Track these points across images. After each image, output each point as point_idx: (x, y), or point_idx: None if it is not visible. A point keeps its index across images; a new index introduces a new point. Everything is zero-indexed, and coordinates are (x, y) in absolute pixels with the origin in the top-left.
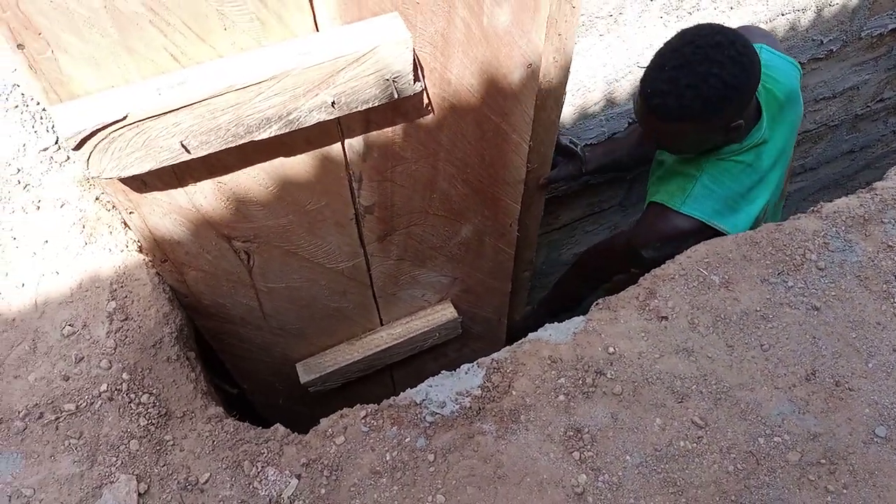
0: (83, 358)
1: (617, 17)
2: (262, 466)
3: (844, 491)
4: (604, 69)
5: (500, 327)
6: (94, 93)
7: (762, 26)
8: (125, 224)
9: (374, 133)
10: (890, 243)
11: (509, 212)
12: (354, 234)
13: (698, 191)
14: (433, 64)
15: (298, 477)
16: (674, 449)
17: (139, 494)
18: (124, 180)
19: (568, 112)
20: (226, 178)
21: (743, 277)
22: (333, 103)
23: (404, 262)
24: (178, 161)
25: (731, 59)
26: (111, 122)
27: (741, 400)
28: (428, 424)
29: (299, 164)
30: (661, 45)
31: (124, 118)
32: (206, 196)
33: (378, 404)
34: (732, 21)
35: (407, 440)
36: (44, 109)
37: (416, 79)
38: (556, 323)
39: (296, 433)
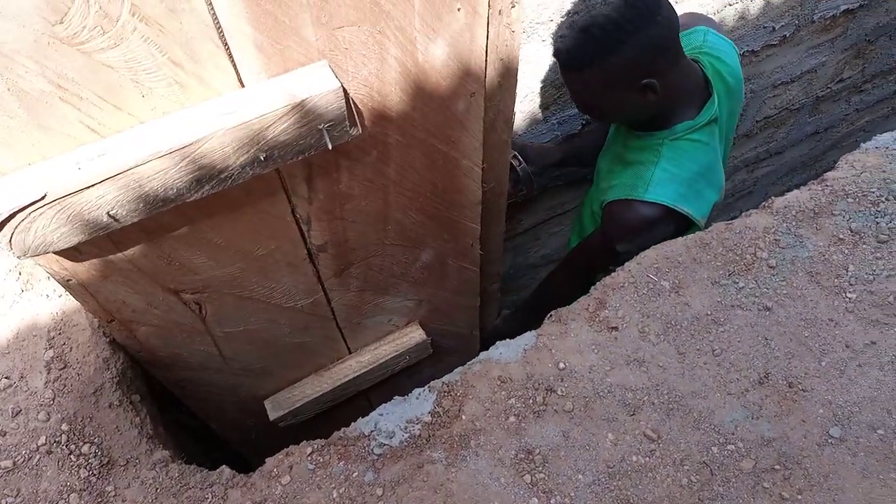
0: (20, 411)
1: (558, 20)
2: None
3: (799, 496)
4: (552, 73)
5: (473, 340)
6: (9, 173)
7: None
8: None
9: (318, 176)
10: (841, 236)
11: (469, 232)
12: (310, 272)
13: (659, 175)
14: (371, 104)
15: None
16: (626, 465)
17: None
18: (56, 252)
19: (519, 118)
20: (166, 237)
21: (693, 281)
22: (266, 158)
23: (366, 293)
24: (109, 231)
25: (624, 2)
26: (29, 203)
27: (694, 409)
28: (376, 457)
29: (242, 215)
30: None
31: (43, 198)
32: (146, 256)
33: (326, 439)
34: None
35: (355, 475)
36: None
37: (353, 124)
38: (507, 340)
39: (242, 474)
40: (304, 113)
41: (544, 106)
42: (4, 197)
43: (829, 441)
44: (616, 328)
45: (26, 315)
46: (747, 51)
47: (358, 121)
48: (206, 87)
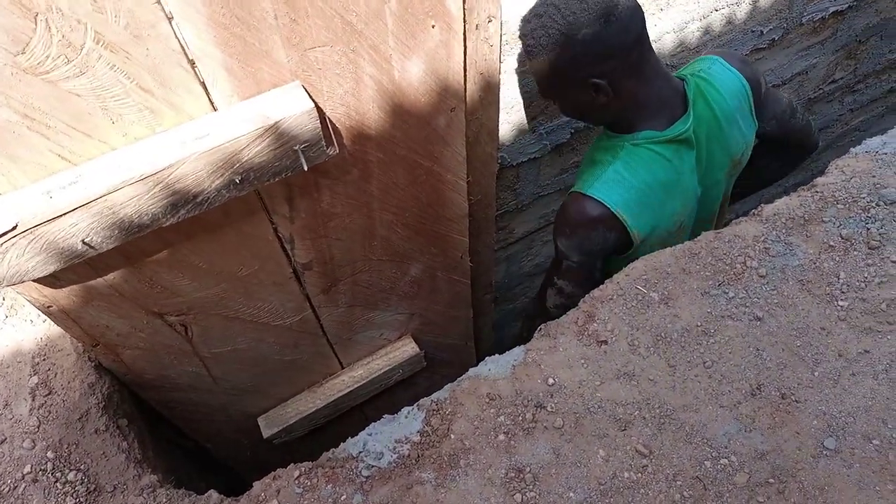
0: (5, 439)
1: None
2: None
3: None
4: (534, 84)
5: (468, 351)
6: None
7: (695, 24)
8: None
9: (298, 196)
10: (831, 243)
11: (458, 245)
12: (296, 290)
13: (609, 175)
14: (348, 123)
15: None
16: (618, 481)
17: None
18: (33, 279)
19: (505, 129)
20: (146, 261)
21: (683, 292)
22: (241, 180)
23: (356, 308)
24: (85, 258)
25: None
26: (1, 233)
27: (686, 422)
28: (364, 479)
29: (223, 236)
30: None
31: (14, 228)
32: (127, 280)
33: (314, 461)
34: (664, 23)
35: (343, 498)
36: None
37: (330, 144)
38: (496, 356)
39: (230, 498)
40: (279, 135)
41: (531, 116)
42: None
43: (824, 453)
44: (605, 342)
45: (10, 341)
46: None
47: (335, 140)
48: (178, 112)
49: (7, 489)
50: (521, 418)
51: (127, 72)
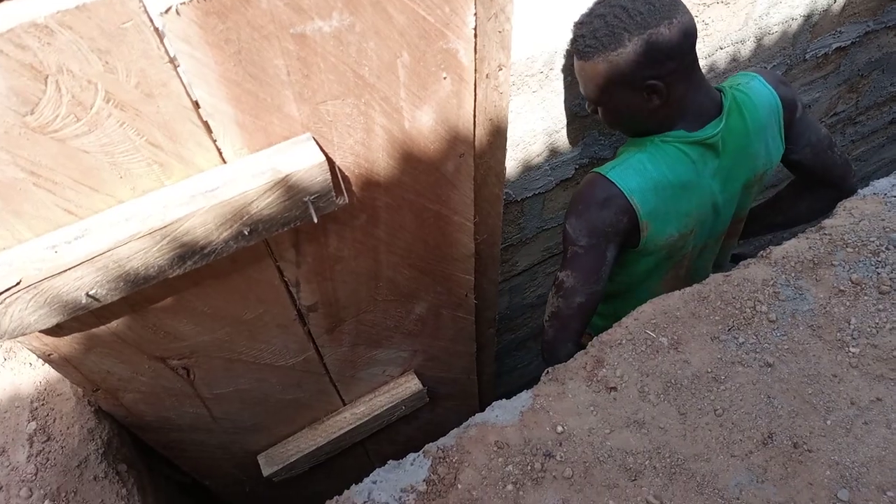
0: (2, 487)
1: (548, 72)
2: None
3: None
4: (542, 122)
5: (471, 384)
6: None
7: (701, 62)
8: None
9: (305, 241)
10: (841, 287)
11: (463, 284)
12: (300, 331)
13: (632, 163)
14: (358, 171)
15: None
16: None
17: None
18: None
19: (511, 166)
20: (150, 308)
21: (692, 336)
22: (250, 232)
23: (359, 347)
24: (89, 309)
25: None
26: (4, 289)
27: (697, 472)
28: None
29: (229, 282)
30: None
31: (18, 283)
32: (130, 327)
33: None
34: None
35: None
36: None
37: (339, 194)
38: (503, 401)
39: None
40: (289, 187)
41: (536, 153)
42: None
43: None
44: (615, 388)
45: (8, 385)
46: None
47: (345, 189)
48: (187, 165)
49: None
50: (529, 468)
51: (137, 128)
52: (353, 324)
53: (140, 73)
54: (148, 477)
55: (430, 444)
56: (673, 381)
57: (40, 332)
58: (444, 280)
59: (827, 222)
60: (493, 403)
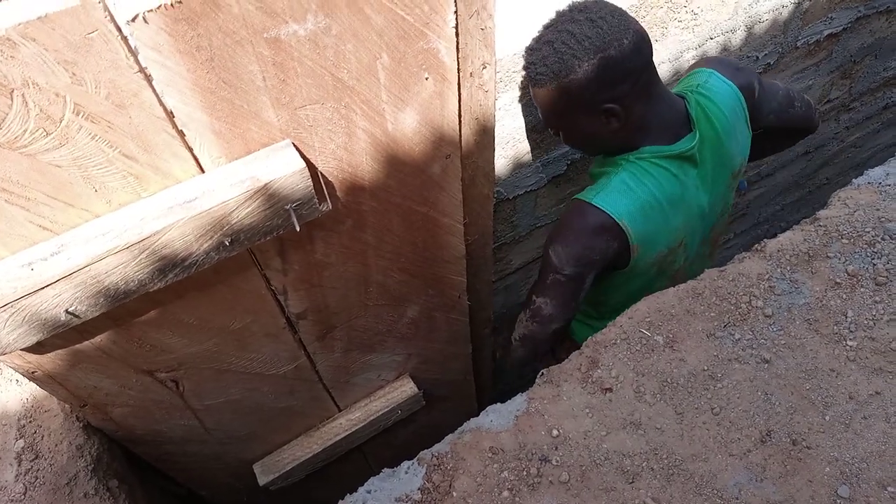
0: None
1: None
2: None
3: None
4: (531, 118)
5: (468, 385)
6: None
7: (691, 52)
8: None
9: (291, 249)
10: (837, 279)
11: (455, 285)
12: (290, 339)
13: (615, 185)
14: (342, 176)
15: None
16: None
17: None
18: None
19: (502, 164)
20: (134, 322)
21: (688, 334)
22: (232, 242)
23: (352, 352)
24: (70, 326)
25: (588, 19)
26: None
27: (695, 473)
28: None
29: (214, 293)
30: None
31: None
32: (115, 342)
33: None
34: (659, 53)
35: None
36: None
37: (322, 200)
38: (498, 405)
39: None
40: (269, 196)
41: (527, 150)
42: None
43: (838, 502)
44: (610, 389)
45: None
46: None
47: (328, 195)
48: (164, 176)
49: None
50: (525, 473)
51: (109, 140)
52: (345, 330)
53: (110, 84)
54: (141, 490)
55: (425, 451)
56: (669, 380)
57: (22, 350)
58: (436, 282)
59: (822, 213)
60: (488, 408)
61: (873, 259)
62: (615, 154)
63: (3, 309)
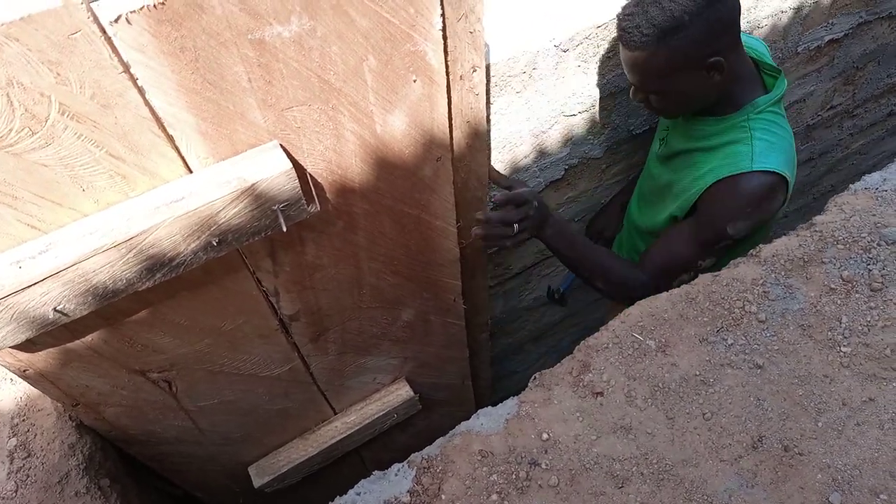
0: None
1: (531, 72)
2: None
3: None
4: (528, 123)
5: (465, 389)
6: None
7: None
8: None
9: (281, 250)
10: (832, 285)
11: (450, 289)
12: (283, 341)
13: (760, 146)
14: (331, 178)
15: None
16: None
17: None
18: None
19: (499, 168)
20: (125, 322)
21: (680, 339)
22: (219, 242)
23: (346, 355)
24: (59, 324)
25: None
26: None
27: (685, 478)
28: None
29: (204, 294)
30: None
31: None
32: (106, 341)
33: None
34: None
35: None
36: None
37: (310, 201)
38: (489, 408)
39: None
40: (256, 196)
41: (524, 154)
42: None
43: None
44: (601, 393)
45: None
46: None
47: (317, 196)
48: (151, 176)
49: None
50: (514, 476)
51: (95, 140)
52: (339, 332)
53: (94, 84)
54: (135, 490)
55: (415, 454)
56: (660, 384)
57: (13, 347)
58: (430, 286)
59: (817, 218)
60: (479, 411)
61: (869, 265)
62: (709, 111)
63: None
